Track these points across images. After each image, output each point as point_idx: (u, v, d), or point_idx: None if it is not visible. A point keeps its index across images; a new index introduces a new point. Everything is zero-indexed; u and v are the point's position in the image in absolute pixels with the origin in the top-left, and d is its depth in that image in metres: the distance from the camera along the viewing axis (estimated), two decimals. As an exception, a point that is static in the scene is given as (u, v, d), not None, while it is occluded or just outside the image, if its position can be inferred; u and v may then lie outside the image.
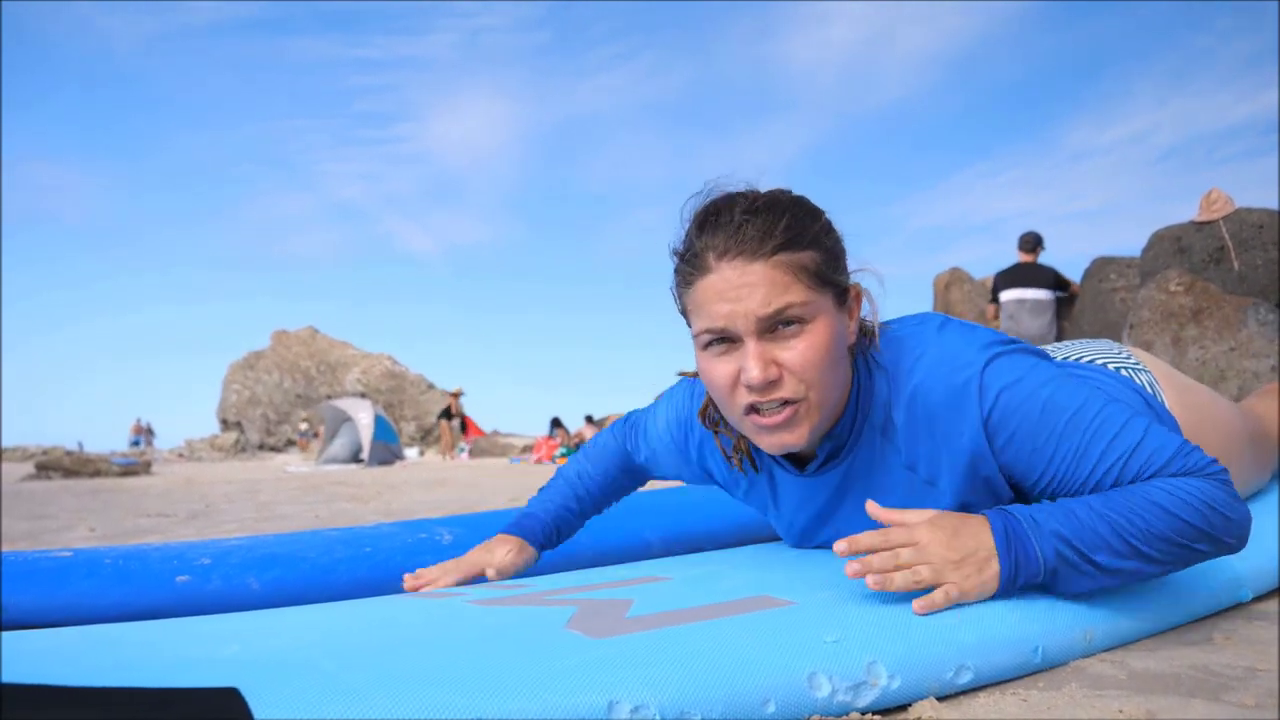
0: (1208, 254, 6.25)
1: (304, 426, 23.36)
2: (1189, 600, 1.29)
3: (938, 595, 1.10)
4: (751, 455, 1.43)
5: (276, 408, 25.39)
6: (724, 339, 1.19)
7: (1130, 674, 1.08)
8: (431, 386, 25.97)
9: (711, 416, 1.44)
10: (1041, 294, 7.55)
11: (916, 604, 1.09)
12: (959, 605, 1.11)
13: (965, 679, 1.04)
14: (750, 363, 1.16)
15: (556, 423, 15.23)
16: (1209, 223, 6.36)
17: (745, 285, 1.15)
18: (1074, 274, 8.27)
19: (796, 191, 1.27)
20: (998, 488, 1.25)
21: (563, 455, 13.00)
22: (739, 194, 1.23)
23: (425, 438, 23.82)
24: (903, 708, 1.01)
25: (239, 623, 1.11)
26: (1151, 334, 5.75)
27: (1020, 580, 1.13)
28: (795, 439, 1.22)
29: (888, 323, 1.33)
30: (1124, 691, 1.01)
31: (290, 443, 23.34)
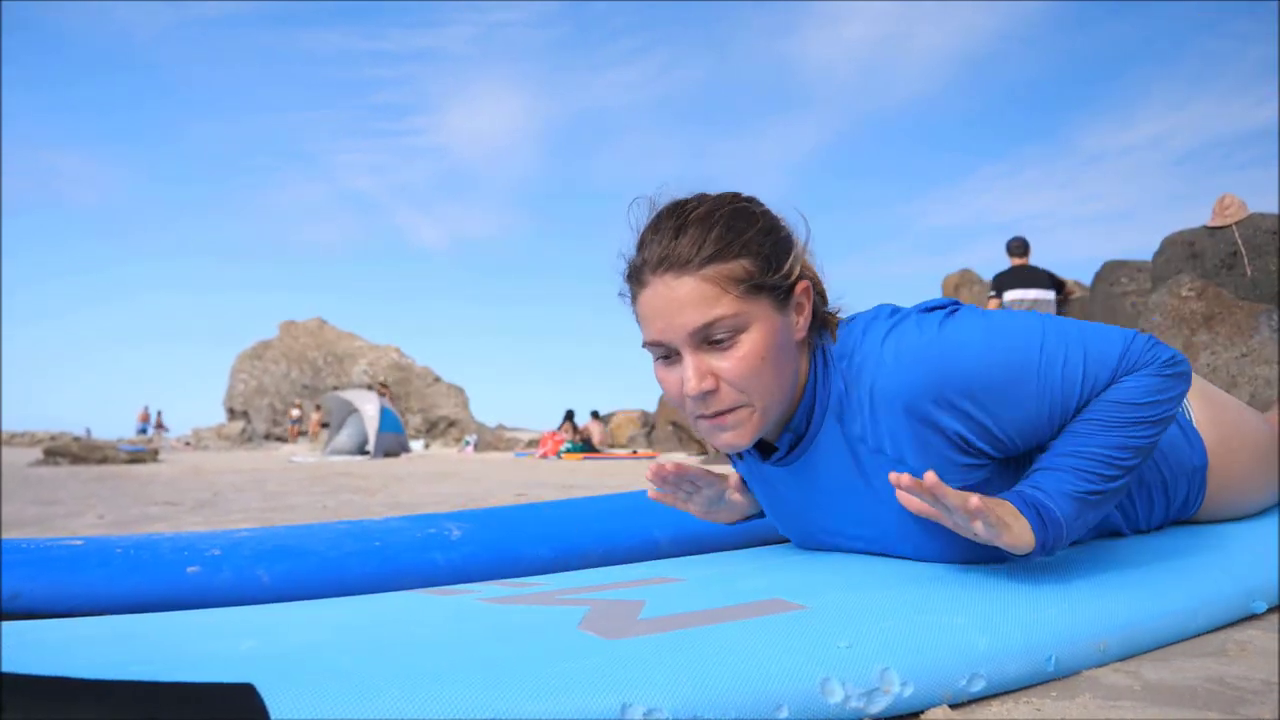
0: (1220, 259, 6.23)
1: (295, 414, 23.39)
2: (1203, 611, 1.29)
3: (978, 523, 1.14)
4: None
5: (284, 398, 25.48)
6: (666, 351, 1.23)
7: (1144, 685, 1.07)
8: (438, 379, 26.02)
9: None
10: (1046, 294, 7.67)
11: (969, 502, 1.12)
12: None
13: (978, 687, 1.03)
14: (688, 374, 1.20)
15: (569, 416, 15.18)
16: (1222, 228, 6.34)
17: (675, 300, 1.19)
18: (1084, 276, 8.26)
19: (748, 194, 1.30)
20: (964, 451, 1.28)
21: (569, 450, 12.99)
22: (678, 204, 1.26)
23: (431, 430, 23.86)
24: (915, 715, 1.00)
25: (253, 617, 1.12)
26: (1162, 339, 5.73)
27: (1052, 533, 1.20)
28: (740, 439, 1.26)
29: (852, 317, 1.36)
30: (1138, 703, 1.01)
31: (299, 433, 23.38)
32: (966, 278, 14.55)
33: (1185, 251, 6.51)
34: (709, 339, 1.19)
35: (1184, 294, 5.80)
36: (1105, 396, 1.25)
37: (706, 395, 1.21)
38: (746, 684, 0.91)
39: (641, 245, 1.24)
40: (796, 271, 1.27)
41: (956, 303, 1.34)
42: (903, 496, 1.16)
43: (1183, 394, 1.29)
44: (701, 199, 1.26)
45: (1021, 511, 1.20)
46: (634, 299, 1.25)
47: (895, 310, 1.33)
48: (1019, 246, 7.93)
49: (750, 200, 1.29)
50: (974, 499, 1.12)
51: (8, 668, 0.78)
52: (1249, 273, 6.02)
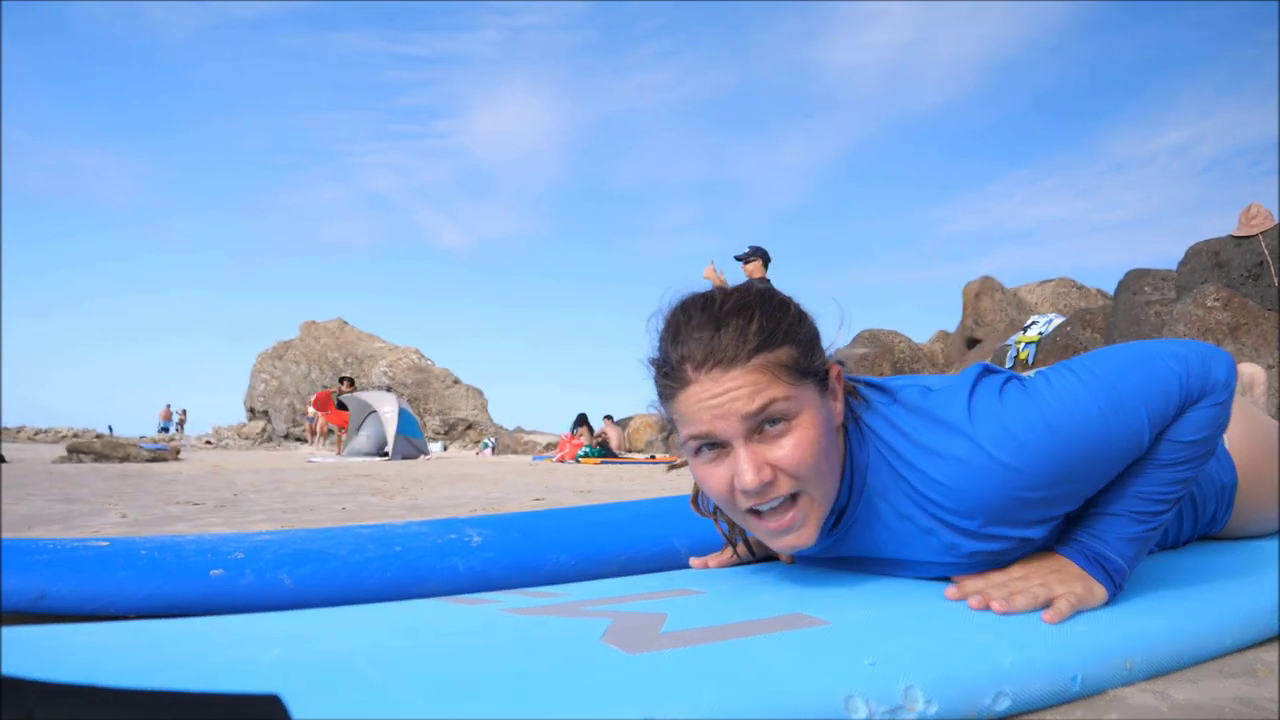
0: (1246, 269, 6.16)
1: (311, 412, 23.33)
2: (1231, 630, 1.27)
3: (1060, 603, 1.18)
4: (748, 542, 1.51)
5: (304, 398, 25.59)
6: (713, 444, 1.19)
7: (1172, 705, 1.06)
8: (457, 381, 26.08)
9: (704, 505, 1.48)
10: None
11: (1046, 615, 1.17)
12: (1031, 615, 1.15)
13: (1003, 705, 1.03)
14: (743, 467, 1.16)
15: (581, 420, 15.15)
16: (1248, 237, 6.27)
17: (726, 392, 1.15)
18: (1108, 285, 8.18)
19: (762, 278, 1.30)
20: (1020, 523, 1.26)
21: (586, 455, 12.99)
22: (704, 299, 1.23)
23: (449, 432, 23.93)
24: (939, 733, 0.99)
25: (278, 624, 1.12)
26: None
27: (1117, 580, 1.26)
28: (804, 539, 1.23)
29: (870, 384, 1.35)
30: (1166, 724, 0.99)
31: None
32: (988, 285, 14.46)
33: (1210, 261, 6.45)
34: (762, 426, 1.17)
35: (1209, 304, 5.74)
36: (1165, 436, 1.25)
37: (764, 487, 1.17)
38: (769, 700, 0.90)
39: (676, 343, 1.19)
40: (827, 358, 1.26)
41: (988, 367, 1.32)
42: (975, 603, 1.21)
43: (1228, 418, 1.29)
44: (727, 293, 1.23)
45: (1085, 568, 1.25)
46: (671, 399, 1.21)
47: (926, 391, 1.30)
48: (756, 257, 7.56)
49: (773, 290, 1.27)
50: (1049, 614, 1.17)
51: (35, 675, 0.79)
52: (1276, 283, 5.96)
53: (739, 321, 1.17)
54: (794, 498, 1.20)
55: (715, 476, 1.20)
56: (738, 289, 1.24)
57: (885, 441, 1.28)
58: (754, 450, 1.17)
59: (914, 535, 1.30)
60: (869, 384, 1.36)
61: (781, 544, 1.23)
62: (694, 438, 1.19)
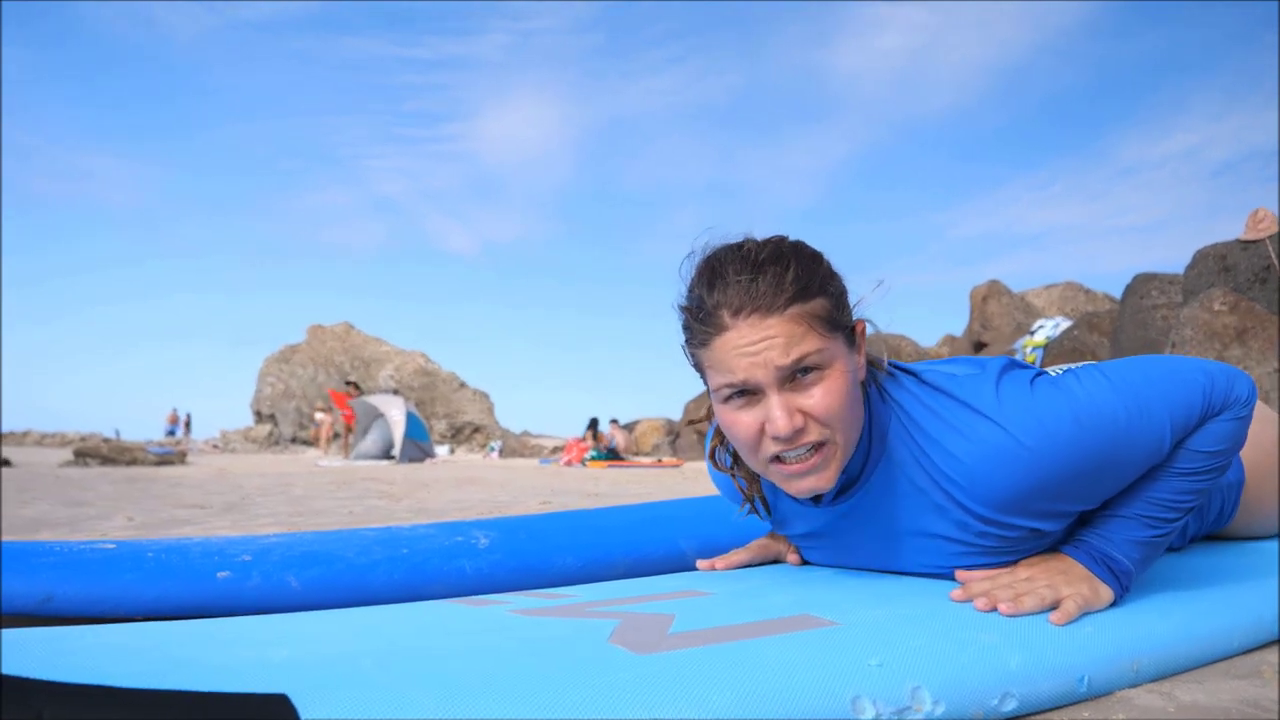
0: (1253, 273, 6.15)
1: (320, 416, 23.26)
2: (1238, 632, 1.27)
3: (1067, 605, 1.19)
4: (765, 500, 1.48)
5: (310, 402, 25.63)
6: (744, 392, 1.20)
7: (1179, 706, 1.06)
8: (464, 384, 26.11)
9: (722, 460, 1.46)
10: None
11: (1053, 616, 1.18)
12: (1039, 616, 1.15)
13: (1010, 706, 1.03)
14: (776, 414, 1.17)
15: (592, 424, 15.11)
16: (1255, 241, 6.25)
17: (764, 339, 1.16)
18: (1115, 289, 8.17)
19: (794, 238, 1.28)
20: (1035, 514, 1.26)
21: (593, 458, 13.00)
22: (740, 247, 1.23)
23: (456, 436, 23.94)
24: (946, 734, 0.99)
25: (287, 625, 1.12)
26: (1193, 354, 5.65)
27: (1124, 583, 1.26)
28: (824, 482, 1.24)
29: (894, 364, 1.37)
30: (1173, 726, 0.99)
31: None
32: (995, 289, 14.44)
33: (1217, 265, 6.43)
34: (795, 375, 1.18)
35: (1216, 308, 5.73)
36: (1184, 445, 1.26)
37: (795, 433, 1.19)
38: (777, 701, 0.91)
39: (712, 290, 1.20)
40: (852, 309, 1.27)
41: (1014, 361, 1.33)
42: (982, 605, 1.22)
43: (1246, 436, 1.29)
44: (760, 242, 1.24)
45: (1091, 569, 1.26)
46: (705, 346, 1.21)
47: (952, 376, 1.30)
48: None
49: (805, 243, 1.27)
50: (1056, 615, 1.18)
51: (45, 675, 0.79)
52: (1283, 286, 5.93)
53: (776, 269, 1.18)
54: (820, 445, 1.22)
55: (743, 423, 1.21)
56: (770, 239, 1.25)
57: (908, 413, 1.29)
58: (786, 398, 1.18)
59: (925, 509, 1.30)
60: (894, 365, 1.37)
61: (801, 486, 1.24)
62: (727, 385, 1.20)
